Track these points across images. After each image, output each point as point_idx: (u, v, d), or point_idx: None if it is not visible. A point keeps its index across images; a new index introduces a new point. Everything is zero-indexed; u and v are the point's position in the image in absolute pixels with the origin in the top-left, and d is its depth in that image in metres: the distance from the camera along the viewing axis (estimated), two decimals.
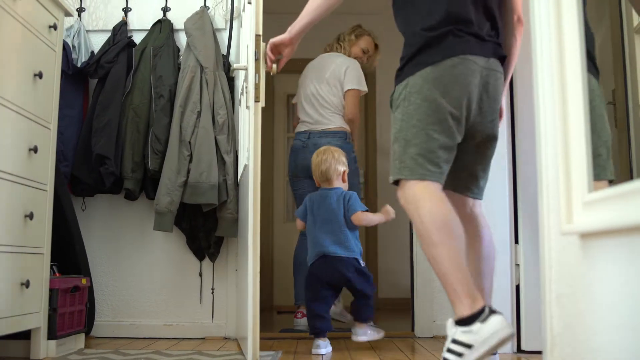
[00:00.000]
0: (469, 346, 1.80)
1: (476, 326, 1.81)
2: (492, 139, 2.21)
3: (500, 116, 2.30)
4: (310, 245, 2.92)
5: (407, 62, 2.16)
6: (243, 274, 2.77)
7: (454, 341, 1.84)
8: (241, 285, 3.07)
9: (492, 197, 2.69)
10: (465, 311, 1.85)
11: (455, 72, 2.04)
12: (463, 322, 1.84)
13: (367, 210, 2.87)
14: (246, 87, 2.45)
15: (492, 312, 1.84)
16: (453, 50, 2.06)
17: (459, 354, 1.81)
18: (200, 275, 3.25)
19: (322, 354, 2.66)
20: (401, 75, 2.16)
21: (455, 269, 1.89)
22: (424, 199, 2.01)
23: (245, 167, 2.54)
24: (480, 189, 2.24)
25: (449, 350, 1.83)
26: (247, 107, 2.41)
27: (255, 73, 2.37)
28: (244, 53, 2.80)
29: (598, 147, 1.44)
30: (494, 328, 1.79)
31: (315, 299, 2.81)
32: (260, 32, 2.39)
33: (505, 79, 2.25)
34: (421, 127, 2.05)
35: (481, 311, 1.83)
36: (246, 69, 2.47)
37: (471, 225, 2.19)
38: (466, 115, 2.09)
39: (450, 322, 1.89)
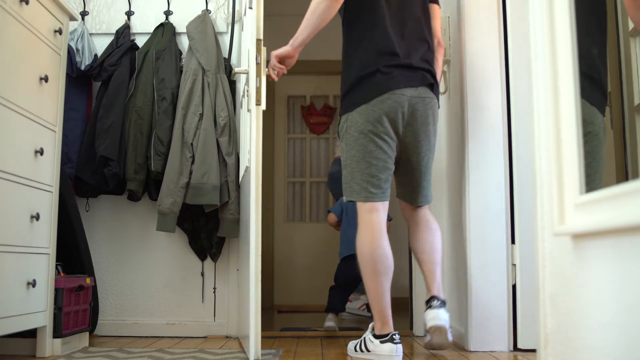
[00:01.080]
0: (367, 350, 2.51)
1: (376, 342, 2.47)
2: (419, 152, 2.59)
3: None
4: (343, 242, 3.63)
5: (344, 96, 2.59)
6: (244, 274, 2.81)
7: (364, 339, 2.55)
8: (243, 284, 3.11)
9: (489, 199, 2.74)
10: (377, 330, 2.50)
11: (384, 107, 2.46)
12: (373, 334, 2.51)
13: (390, 220, 3.34)
14: (247, 90, 2.50)
15: (392, 340, 2.44)
16: (380, 89, 2.46)
17: (361, 350, 2.54)
18: (202, 275, 3.30)
19: (332, 326, 3.45)
20: (342, 108, 2.60)
21: (376, 298, 2.49)
22: (364, 227, 2.52)
23: (247, 168, 2.59)
24: (424, 197, 2.69)
25: (363, 340, 2.55)
26: (249, 110, 2.47)
27: (257, 77, 2.43)
28: (246, 57, 2.85)
29: (595, 172, 1.50)
30: (383, 351, 2.44)
31: (340, 285, 3.58)
32: (262, 37, 2.44)
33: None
34: (361, 156, 2.51)
35: (384, 335, 2.46)
36: (247, 73, 2.52)
37: (421, 221, 2.67)
38: (396, 138, 2.52)
39: (371, 325, 2.55)
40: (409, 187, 2.66)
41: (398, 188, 2.73)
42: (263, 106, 2.42)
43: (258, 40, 2.44)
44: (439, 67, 2.72)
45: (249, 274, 2.35)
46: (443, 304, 2.51)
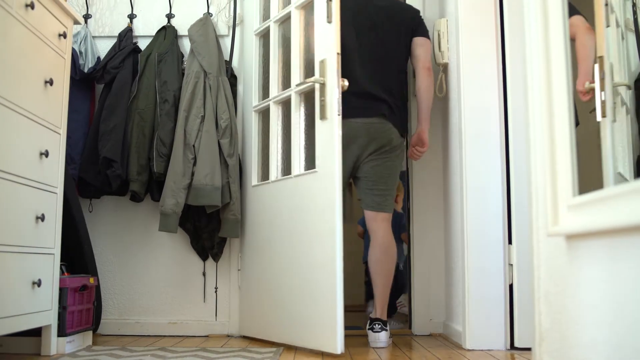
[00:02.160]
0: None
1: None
2: (370, 167, 2.97)
3: (425, 144, 3.11)
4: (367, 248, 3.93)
5: None
6: (248, 274, 2.86)
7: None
8: (246, 284, 3.15)
9: (486, 200, 2.78)
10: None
11: (345, 131, 2.69)
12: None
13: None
14: (323, 100, 2.67)
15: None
16: (344, 114, 2.67)
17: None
18: (204, 274, 3.34)
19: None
20: None
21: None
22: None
23: (315, 172, 2.72)
24: (377, 204, 2.99)
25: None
26: (323, 119, 2.67)
27: (336, 88, 2.63)
28: (296, 67, 2.94)
29: None
30: None
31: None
32: (339, 51, 2.64)
33: (419, 116, 3.10)
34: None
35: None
36: (323, 83, 2.69)
37: (378, 240, 2.99)
38: (355, 159, 2.95)
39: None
40: (366, 195, 3.01)
41: (360, 200, 3.07)
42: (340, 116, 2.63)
43: (338, 54, 2.64)
44: (424, 91, 3.05)
45: (335, 271, 2.52)
46: (384, 325, 2.88)
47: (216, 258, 3.32)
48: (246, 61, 3.38)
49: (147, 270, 3.37)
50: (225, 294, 3.32)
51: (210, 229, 3.25)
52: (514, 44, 2.79)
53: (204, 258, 3.34)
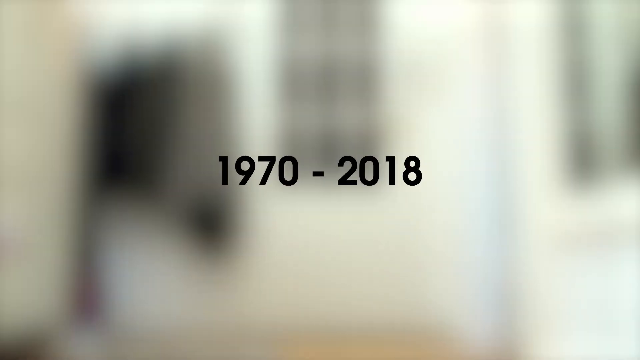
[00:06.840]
0: None
1: None
2: None
3: None
4: None
5: None
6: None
7: None
8: None
9: (481, 195, 2.78)
10: None
11: None
12: None
13: None
14: None
15: None
16: None
17: None
18: (211, 275, 3.34)
19: None
20: None
21: None
22: None
23: None
24: None
25: None
26: None
27: None
28: None
29: None
30: None
31: None
32: None
33: None
34: None
35: None
36: None
37: None
38: None
39: None
40: None
41: None
42: None
43: None
44: None
45: None
46: None
47: (224, 258, 3.32)
48: None
49: (154, 270, 3.36)
50: (233, 294, 3.32)
51: (218, 228, 3.28)
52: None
53: (212, 258, 3.34)
